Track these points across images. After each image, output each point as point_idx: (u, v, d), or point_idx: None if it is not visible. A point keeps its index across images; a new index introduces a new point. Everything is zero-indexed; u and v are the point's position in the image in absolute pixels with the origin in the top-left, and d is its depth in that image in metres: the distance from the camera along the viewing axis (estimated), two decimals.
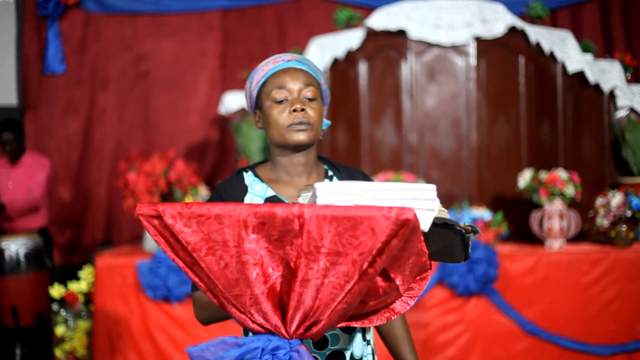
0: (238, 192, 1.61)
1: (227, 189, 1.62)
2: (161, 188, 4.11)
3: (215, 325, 4.15)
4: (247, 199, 1.61)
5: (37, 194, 4.63)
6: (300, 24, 5.87)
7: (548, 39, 4.47)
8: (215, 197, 1.63)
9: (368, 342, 1.64)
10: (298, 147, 1.59)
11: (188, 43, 5.89)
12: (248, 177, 1.64)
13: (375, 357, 1.68)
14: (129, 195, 4.14)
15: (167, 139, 5.80)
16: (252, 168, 1.67)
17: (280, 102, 1.57)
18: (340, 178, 1.68)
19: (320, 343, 1.57)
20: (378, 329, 1.73)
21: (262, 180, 1.63)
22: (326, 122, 1.70)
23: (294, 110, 1.55)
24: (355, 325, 1.31)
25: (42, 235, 4.46)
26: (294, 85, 1.57)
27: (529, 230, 4.15)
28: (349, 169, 1.72)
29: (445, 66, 4.44)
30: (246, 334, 1.58)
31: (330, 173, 1.68)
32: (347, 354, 1.58)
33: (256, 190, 1.62)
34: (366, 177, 1.72)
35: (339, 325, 1.28)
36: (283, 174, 1.63)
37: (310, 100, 1.58)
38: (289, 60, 1.60)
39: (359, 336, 1.61)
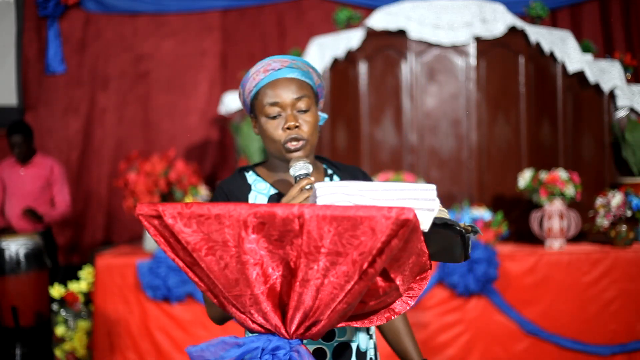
0: (242, 190, 1.63)
1: (231, 187, 1.63)
2: (161, 188, 4.11)
3: (215, 325, 4.14)
4: (252, 197, 1.62)
5: (67, 209, 4.73)
6: (300, 24, 5.87)
7: (548, 39, 4.47)
8: (219, 195, 1.63)
9: (371, 337, 1.65)
10: None
11: (188, 43, 5.89)
12: (250, 176, 1.66)
13: (377, 352, 1.69)
14: (129, 195, 4.14)
15: (167, 139, 5.80)
16: (252, 168, 1.69)
17: (274, 117, 1.58)
18: (341, 176, 1.70)
19: (327, 334, 1.59)
20: (384, 336, 1.75)
21: (264, 179, 1.65)
22: (323, 117, 1.70)
23: (288, 128, 1.56)
24: (356, 325, 1.31)
25: (46, 236, 4.46)
26: (287, 99, 1.57)
27: (529, 230, 4.15)
28: (349, 167, 1.73)
29: (445, 66, 4.44)
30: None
31: (329, 172, 1.70)
32: (354, 346, 1.60)
33: (260, 188, 1.64)
34: (366, 176, 1.73)
35: (339, 325, 1.28)
36: (283, 174, 1.65)
37: (304, 112, 1.58)
38: (279, 69, 1.58)
39: (363, 329, 1.63)
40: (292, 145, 1.57)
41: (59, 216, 4.67)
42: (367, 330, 1.64)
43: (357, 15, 4.81)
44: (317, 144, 1.66)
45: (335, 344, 1.58)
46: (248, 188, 1.63)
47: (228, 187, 1.63)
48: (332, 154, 4.53)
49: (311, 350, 1.59)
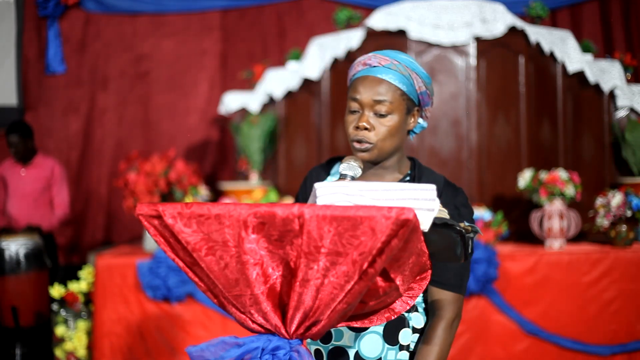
0: (320, 176, 1.71)
1: (313, 172, 1.72)
2: (161, 188, 4.11)
3: (215, 325, 4.10)
4: None
5: (67, 210, 4.71)
6: (300, 24, 5.87)
7: (548, 39, 4.47)
8: (304, 180, 1.73)
9: (402, 347, 1.56)
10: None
11: (188, 43, 5.90)
12: (336, 166, 1.71)
13: None
14: (129, 195, 4.14)
15: (167, 139, 5.80)
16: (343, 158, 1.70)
17: (353, 112, 1.58)
18: (416, 181, 1.64)
19: (325, 337, 1.58)
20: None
21: None
22: (420, 125, 1.66)
23: (357, 127, 1.56)
24: (355, 325, 1.31)
25: (46, 236, 4.46)
26: (366, 98, 1.55)
27: (529, 230, 4.15)
28: (432, 174, 1.66)
29: (445, 66, 4.44)
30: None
31: (407, 178, 1.66)
32: (351, 352, 1.56)
33: (335, 178, 1.67)
34: (446, 184, 1.64)
35: (339, 325, 1.28)
36: (366, 168, 1.62)
37: (382, 116, 1.56)
38: (375, 66, 1.57)
39: (374, 337, 1.55)
40: (358, 146, 1.57)
41: (58, 221, 4.66)
42: (388, 339, 1.55)
43: (357, 15, 4.81)
44: (400, 148, 1.61)
45: (331, 347, 1.56)
46: (325, 176, 1.70)
47: (311, 173, 1.73)
48: (332, 154, 4.54)
49: (313, 351, 1.59)
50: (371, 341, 1.55)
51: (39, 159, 4.71)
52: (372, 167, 1.63)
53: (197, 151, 5.84)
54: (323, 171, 1.72)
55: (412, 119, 1.62)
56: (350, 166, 1.52)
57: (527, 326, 3.73)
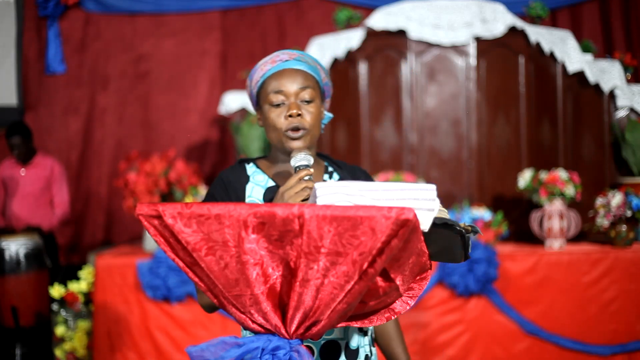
0: (240, 180, 1.64)
1: (230, 177, 1.64)
2: (161, 188, 4.11)
3: (215, 325, 4.10)
4: (249, 188, 1.63)
5: (67, 210, 4.72)
6: (300, 24, 5.87)
7: (548, 39, 4.47)
8: (218, 184, 1.64)
9: (365, 334, 1.64)
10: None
11: (188, 43, 5.90)
12: (250, 168, 1.68)
13: (374, 349, 1.68)
14: (129, 195, 4.14)
15: (167, 139, 5.80)
16: (254, 160, 1.70)
17: (278, 105, 1.60)
18: (341, 174, 1.70)
19: None
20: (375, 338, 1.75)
21: (263, 171, 1.66)
22: (328, 116, 1.73)
23: (290, 116, 1.57)
24: (355, 325, 1.31)
25: (46, 236, 4.46)
26: (291, 88, 1.59)
27: (529, 230, 4.15)
28: (350, 166, 1.74)
29: (445, 66, 4.44)
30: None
31: (330, 169, 1.71)
32: (343, 344, 1.58)
33: (258, 180, 1.65)
34: (367, 176, 1.73)
35: (339, 325, 1.28)
36: (283, 166, 1.66)
37: (308, 102, 1.60)
38: (287, 60, 1.61)
39: (354, 328, 1.60)
40: (293, 134, 1.58)
41: (58, 221, 4.66)
42: (359, 328, 1.62)
43: (357, 15, 4.81)
44: (318, 140, 1.66)
45: (323, 342, 1.57)
46: (246, 179, 1.65)
47: (227, 176, 1.65)
48: (332, 154, 4.53)
49: None
50: (354, 332, 1.60)
51: (38, 158, 4.71)
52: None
53: (197, 151, 5.84)
54: (241, 175, 1.65)
55: (322, 108, 1.67)
56: (301, 157, 1.51)
57: (527, 326, 3.73)
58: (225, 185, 1.63)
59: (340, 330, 1.58)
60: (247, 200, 1.62)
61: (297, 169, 1.50)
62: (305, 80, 1.60)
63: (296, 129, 1.58)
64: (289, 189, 1.44)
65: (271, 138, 1.62)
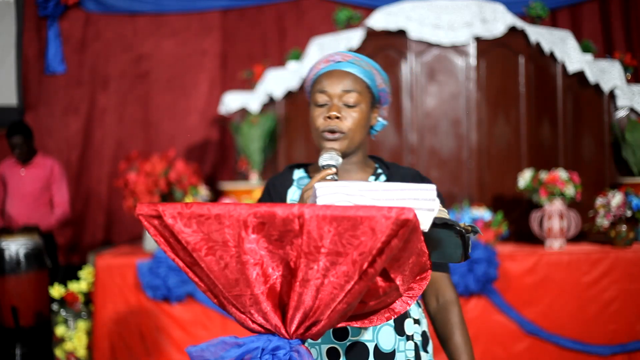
0: (284, 185, 1.69)
1: (276, 181, 1.71)
2: (161, 188, 4.11)
3: (215, 325, 4.10)
4: (291, 191, 1.67)
5: (67, 209, 4.72)
6: (300, 24, 5.87)
7: (548, 39, 4.47)
8: (265, 190, 1.71)
9: (408, 338, 1.60)
10: None
11: (188, 43, 5.90)
12: (298, 172, 1.71)
13: (424, 354, 1.62)
14: (129, 195, 4.14)
15: (167, 139, 5.80)
16: (305, 165, 1.73)
17: (321, 105, 1.60)
18: (389, 177, 1.69)
19: (340, 334, 1.57)
20: (436, 329, 1.67)
21: (309, 176, 1.69)
22: (381, 123, 1.71)
23: (328, 117, 1.57)
24: (355, 325, 1.31)
25: (46, 236, 4.46)
26: (335, 90, 1.58)
27: (529, 230, 4.15)
28: (402, 169, 1.72)
29: (445, 66, 4.44)
30: None
31: (379, 171, 1.71)
32: (371, 346, 1.56)
33: (302, 184, 1.68)
34: (419, 178, 1.70)
35: (339, 325, 1.28)
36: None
37: (351, 107, 1.59)
38: (339, 62, 1.61)
39: (387, 329, 1.58)
40: (330, 135, 1.58)
41: (57, 221, 4.66)
42: (399, 330, 1.58)
43: (357, 15, 4.81)
44: (366, 144, 1.66)
45: (349, 342, 1.56)
46: (290, 183, 1.69)
47: (273, 182, 1.71)
48: None
49: (325, 350, 1.59)
50: (386, 333, 1.58)
51: (38, 158, 4.71)
52: (351, 169, 1.65)
53: (197, 151, 5.84)
54: (286, 179, 1.71)
55: (374, 115, 1.66)
56: (329, 157, 1.53)
57: (527, 326, 3.73)
58: (270, 190, 1.70)
59: (368, 331, 1.56)
60: (289, 202, 1.65)
61: (322, 168, 1.52)
62: (352, 83, 1.59)
63: (332, 131, 1.58)
64: (309, 189, 1.45)
65: (313, 137, 1.63)
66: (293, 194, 1.66)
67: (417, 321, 1.64)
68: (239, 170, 4.90)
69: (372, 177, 1.69)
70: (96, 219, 5.84)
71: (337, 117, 1.57)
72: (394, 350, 1.58)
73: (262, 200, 1.72)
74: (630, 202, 3.91)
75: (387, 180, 1.68)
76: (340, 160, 1.53)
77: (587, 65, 4.52)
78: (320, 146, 1.60)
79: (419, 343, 1.63)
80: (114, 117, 5.89)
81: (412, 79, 4.45)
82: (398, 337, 1.59)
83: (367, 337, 1.57)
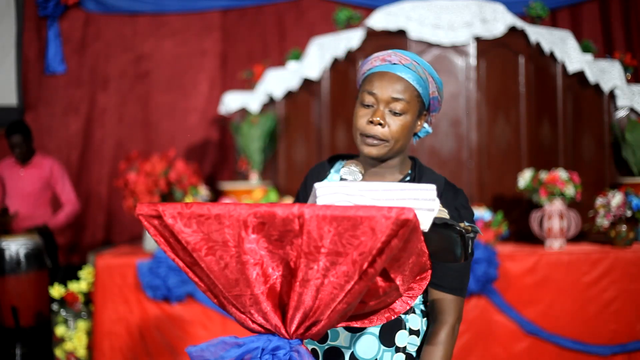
0: (320, 175, 1.67)
1: (313, 171, 1.69)
2: (161, 188, 4.11)
3: (215, 325, 4.09)
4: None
5: (77, 206, 4.74)
6: (300, 24, 5.87)
7: (548, 39, 4.47)
8: (304, 180, 1.70)
9: (398, 349, 1.54)
10: (367, 157, 1.58)
11: (188, 43, 5.89)
12: (338, 165, 1.69)
13: None
14: (129, 195, 4.13)
15: (167, 139, 5.80)
16: (347, 157, 1.70)
17: (367, 106, 1.55)
18: (416, 181, 1.62)
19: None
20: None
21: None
22: (425, 130, 1.65)
23: (371, 122, 1.53)
24: (355, 325, 1.31)
25: (46, 236, 4.45)
26: (384, 94, 1.53)
27: (529, 230, 4.15)
28: (433, 174, 1.64)
29: (445, 66, 4.44)
30: None
31: (407, 179, 1.64)
32: (347, 353, 1.54)
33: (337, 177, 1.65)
34: (448, 185, 1.62)
35: (339, 325, 1.28)
36: (367, 166, 1.62)
37: (397, 114, 1.53)
38: (394, 64, 1.55)
39: (369, 338, 1.53)
40: (369, 141, 1.54)
41: (66, 218, 4.67)
42: (385, 340, 1.54)
43: (357, 15, 4.81)
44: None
45: (326, 347, 1.55)
46: (325, 174, 1.67)
47: (311, 172, 1.69)
48: (332, 154, 4.53)
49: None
50: (367, 342, 1.54)
51: (37, 158, 4.71)
52: (376, 164, 1.60)
53: (197, 151, 5.84)
54: (324, 169, 1.69)
55: (420, 122, 1.60)
56: (351, 171, 1.51)
57: (527, 326, 3.73)
58: (307, 179, 1.69)
59: (345, 338, 1.54)
60: None
61: (342, 180, 1.51)
62: (404, 91, 1.53)
63: (374, 137, 1.53)
64: None
65: (353, 133, 1.58)
66: None
67: (415, 332, 1.56)
68: (239, 170, 4.90)
69: (401, 181, 1.63)
70: (96, 219, 5.84)
71: (380, 124, 1.52)
72: (377, 358, 1.53)
73: (301, 187, 1.70)
74: (630, 202, 3.91)
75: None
76: (359, 176, 1.49)
77: (587, 65, 4.52)
78: (358, 146, 1.57)
79: (413, 355, 1.55)
80: (114, 117, 5.88)
81: None
82: (383, 347, 1.53)
83: (343, 343, 1.54)
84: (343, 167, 1.53)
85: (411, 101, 1.54)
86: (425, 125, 1.65)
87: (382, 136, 1.53)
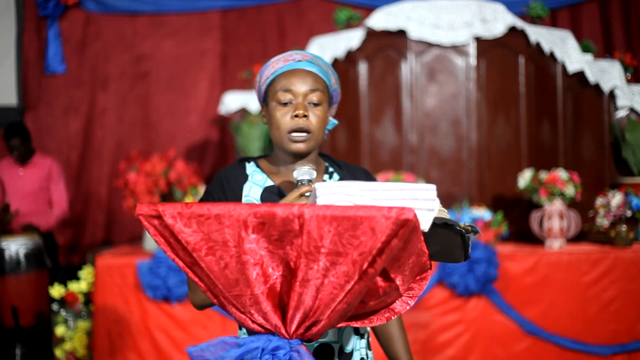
0: (239, 179, 1.63)
1: (229, 175, 1.64)
2: (161, 188, 4.11)
3: (215, 325, 4.09)
4: (247, 187, 1.62)
5: (65, 208, 4.72)
6: (300, 24, 5.87)
7: (548, 39, 4.47)
8: (216, 182, 1.63)
9: (362, 336, 1.63)
10: (296, 154, 1.60)
11: (188, 43, 5.90)
12: (250, 167, 1.66)
13: (370, 351, 1.67)
14: (129, 195, 4.13)
15: (167, 139, 5.80)
16: (255, 159, 1.69)
17: (285, 104, 1.58)
18: (341, 175, 1.69)
19: None
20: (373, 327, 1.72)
21: (262, 171, 1.65)
22: (332, 122, 1.72)
23: (296, 116, 1.56)
24: (355, 325, 1.31)
25: (46, 236, 4.46)
26: (300, 88, 1.58)
27: (529, 230, 4.15)
28: (351, 166, 1.73)
29: (445, 66, 4.44)
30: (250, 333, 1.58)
31: (330, 169, 1.69)
32: (336, 347, 1.58)
33: (256, 180, 1.63)
34: (368, 175, 1.72)
35: (339, 325, 1.28)
36: (283, 167, 1.64)
37: (315, 105, 1.59)
38: (299, 61, 1.60)
39: (349, 329, 1.60)
40: (297, 136, 1.57)
41: (56, 220, 4.66)
42: (356, 330, 1.62)
43: (357, 15, 4.81)
44: (320, 143, 1.66)
45: (317, 344, 1.56)
46: (245, 178, 1.63)
47: (226, 175, 1.64)
48: (332, 154, 4.53)
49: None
50: (348, 334, 1.59)
51: (37, 158, 4.71)
52: (297, 161, 1.61)
53: (197, 151, 5.84)
54: (240, 174, 1.64)
55: (328, 114, 1.66)
56: (304, 171, 1.48)
57: (527, 326, 3.73)
58: (223, 183, 1.62)
59: (334, 334, 1.58)
60: (244, 199, 1.60)
61: (299, 183, 1.48)
62: (315, 82, 1.59)
63: (300, 130, 1.56)
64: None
65: (274, 136, 1.60)
66: (249, 190, 1.61)
67: None
68: None
69: (326, 176, 1.67)
70: (96, 219, 5.84)
71: (305, 115, 1.56)
72: (353, 349, 1.60)
73: (212, 192, 1.62)
74: (630, 202, 3.91)
75: (341, 178, 1.67)
76: (314, 174, 1.49)
77: (587, 65, 4.52)
78: (284, 147, 1.58)
79: (368, 341, 1.66)
80: (114, 117, 5.88)
81: (412, 79, 4.45)
82: (355, 336, 1.61)
83: (333, 338, 1.57)
84: (296, 168, 1.50)
85: (323, 91, 1.61)
86: (331, 117, 1.70)
87: (309, 128, 1.57)
